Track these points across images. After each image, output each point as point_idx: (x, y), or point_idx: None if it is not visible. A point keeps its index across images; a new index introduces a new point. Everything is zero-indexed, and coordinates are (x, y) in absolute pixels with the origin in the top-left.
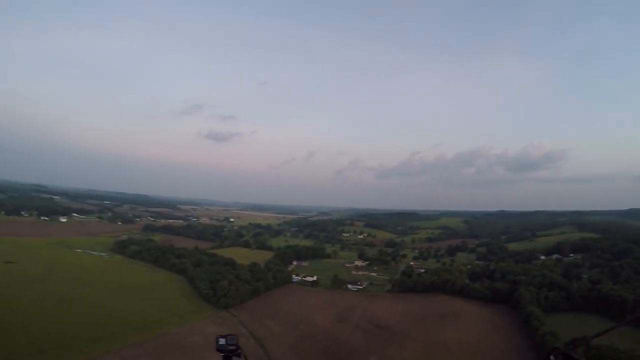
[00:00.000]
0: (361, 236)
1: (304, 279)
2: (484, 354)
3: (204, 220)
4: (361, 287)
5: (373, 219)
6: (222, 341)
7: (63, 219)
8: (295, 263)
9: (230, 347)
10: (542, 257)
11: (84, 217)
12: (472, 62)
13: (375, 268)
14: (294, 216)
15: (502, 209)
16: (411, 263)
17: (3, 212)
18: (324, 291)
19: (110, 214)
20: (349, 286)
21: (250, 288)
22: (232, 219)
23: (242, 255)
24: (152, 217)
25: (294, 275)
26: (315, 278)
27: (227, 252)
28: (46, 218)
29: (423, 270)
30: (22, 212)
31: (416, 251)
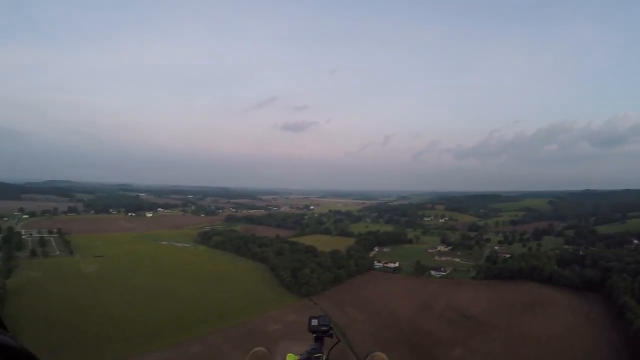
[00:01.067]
0: (442, 220)
1: (385, 265)
2: (574, 348)
3: (285, 209)
4: (445, 274)
5: (453, 202)
6: (314, 322)
7: (149, 214)
8: (376, 249)
9: (323, 328)
10: (636, 242)
11: (168, 211)
12: (548, 32)
13: (458, 253)
14: (374, 201)
15: (588, 188)
16: (495, 248)
17: (93, 211)
18: (406, 278)
19: (193, 207)
20: (432, 273)
21: (332, 275)
22: (312, 207)
23: (323, 243)
24: (233, 208)
25: (375, 262)
26: (397, 264)
27: (308, 240)
28: (133, 214)
29: (508, 256)
30: (111, 210)
31: (500, 235)
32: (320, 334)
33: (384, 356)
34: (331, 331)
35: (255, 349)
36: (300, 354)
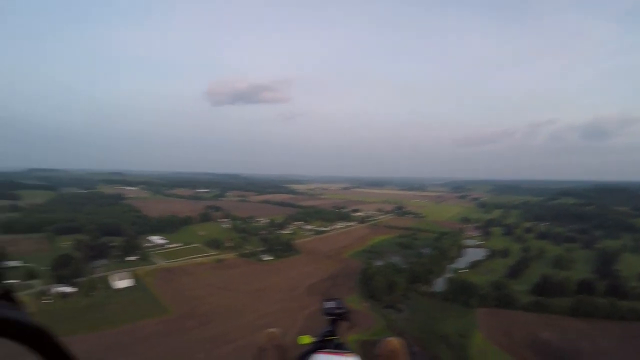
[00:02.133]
0: None
1: None
2: None
3: (367, 209)
4: None
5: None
6: (329, 304)
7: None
8: None
9: (338, 311)
10: None
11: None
12: None
13: None
14: (457, 193)
15: None
16: None
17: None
18: None
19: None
20: None
21: None
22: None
23: None
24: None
25: None
26: None
27: None
28: None
29: None
30: None
31: None
32: (335, 317)
33: (400, 341)
34: (347, 314)
35: (270, 329)
36: (314, 336)
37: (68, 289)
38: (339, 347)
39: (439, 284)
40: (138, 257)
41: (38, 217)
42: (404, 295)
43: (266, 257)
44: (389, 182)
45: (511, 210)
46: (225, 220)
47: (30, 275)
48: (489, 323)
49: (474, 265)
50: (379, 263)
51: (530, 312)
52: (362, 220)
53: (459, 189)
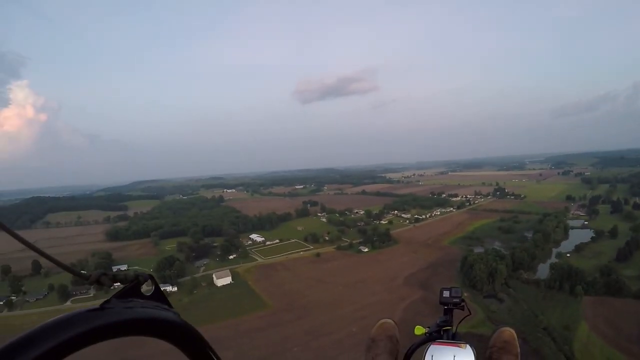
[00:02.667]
0: None
1: None
2: None
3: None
4: None
5: None
6: (446, 293)
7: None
8: None
9: (454, 300)
10: None
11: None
12: None
13: None
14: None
15: None
16: None
17: None
18: None
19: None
20: None
21: None
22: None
23: None
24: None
25: None
26: None
27: None
28: None
29: None
30: None
31: None
32: (450, 306)
33: (512, 331)
34: (463, 303)
35: (383, 320)
36: (428, 326)
37: (171, 288)
38: (453, 338)
39: (543, 270)
40: (238, 256)
41: (144, 224)
42: (506, 283)
43: (364, 249)
44: (486, 162)
45: (618, 184)
46: (322, 214)
47: None
48: (596, 313)
49: (579, 248)
50: (479, 250)
51: None
52: (460, 205)
53: (561, 164)
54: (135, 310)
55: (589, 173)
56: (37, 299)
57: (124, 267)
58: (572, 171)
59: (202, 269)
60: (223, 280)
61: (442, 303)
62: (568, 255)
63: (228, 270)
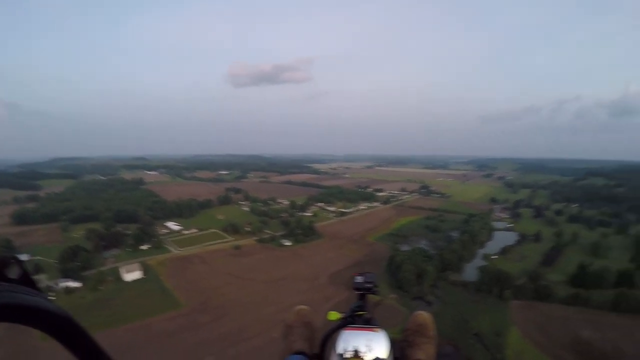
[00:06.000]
0: None
1: None
2: None
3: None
4: None
5: None
6: (359, 279)
7: None
8: None
9: (367, 285)
10: None
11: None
12: None
13: None
14: (483, 172)
15: None
16: None
17: None
18: None
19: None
20: None
21: None
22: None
23: None
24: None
25: None
26: None
27: None
28: None
29: None
30: None
31: None
32: (364, 292)
33: (428, 315)
34: (376, 288)
35: (299, 306)
36: (343, 312)
37: (74, 284)
38: (367, 322)
39: (470, 272)
40: (152, 246)
41: (55, 206)
42: (434, 285)
43: (287, 242)
44: (412, 160)
45: (539, 190)
46: (245, 202)
47: (36, 269)
48: (526, 318)
49: (505, 250)
50: (405, 248)
51: (568, 305)
52: (386, 200)
53: (484, 167)
54: None
55: (511, 177)
56: None
57: (24, 257)
58: (494, 174)
59: (110, 260)
60: (133, 274)
61: (356, 289)
62: (494, 257)
63: (139, 264)
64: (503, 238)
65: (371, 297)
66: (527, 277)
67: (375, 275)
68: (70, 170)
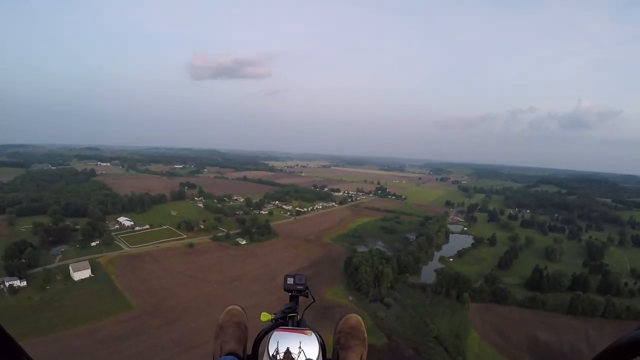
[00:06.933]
0: None
1: None
2: None
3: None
4: None
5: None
6: (290, 280)
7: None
8: None
9: (299, 287)
10: None
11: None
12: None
13: None
14: (437, 176)
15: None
16: None
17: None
18: None
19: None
20: None
21: None
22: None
23: None
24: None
25: None
26: None
27: None
28: None
29: None
30: None
31: None
32: (295, 293)
33: (359, 317)
34: (307, 290)
35: (230, 306)
36: (274, 313)
37: (19, 283)
38: (299, 324)
39: (428, 274)
40: (102, 242)
41: (1, 196)
42: (392, 287)
43: (242, 241)
44: (368, 161)
45: (493, 195)
46: (199, 198)
47: None
48: (484, 321)
49: (461, 253)
50: (362, 249)
51: (525, 308)
52: (342, 200)
53: (439, 171)
54: None
55: (465, 182)
56: None
57: None
58: (449, 178)
59: (58, 257)
60: (81, 273)
61: (287, 290)
62: (451, 260)
63: (87, 262)
64: (459, 241)
65: (302, 299)
66: (484, 280)
67: (306, 277)
68: (18, 158)
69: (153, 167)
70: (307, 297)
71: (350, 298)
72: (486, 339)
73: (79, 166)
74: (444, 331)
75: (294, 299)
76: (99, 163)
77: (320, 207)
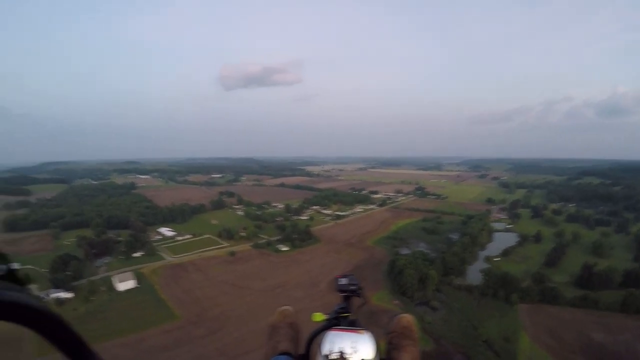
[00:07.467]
0: None
1: None
2: None
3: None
4: None
5: None
6: (342, 281)
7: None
8: None
9: (351, 287)
10: None
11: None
12: None
13: None
14: (476, 172)
15: None
16: None
17: None
18: None
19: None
20: None
21: None
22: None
23: None
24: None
25: None
26: None
27: None
28: None
29: None
30: None
31: None
32: (348, 294)
33: (411, 317)
34: (360, 290)
35: (283, 307)
36: (327, 314)
37: (66, 294)
38: (352, 324)
39: (473, 275)
40: (145, 253)
41: (46, 212)
42: (437, 289)
43: (283, 247)
44: (404, 161)
45: (534, 190)
46: (239, 206)
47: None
48: (535, 322)
49: (506, 252)
50: (405, 251)
51: (576, 307)
52: (382, 202)
53: (477, 167)
54: None
55: (505, 178)
56: None
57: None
58: (488, 175)
59: (102, 269)
60: (125, 283)
61: (339, 290)
62: (496, 259)
63: (131, 273)
64: (503, 239)
65: (355, 299)
66: (531, 279)
67: (357, 277)
68: (61, 174)
69: (191, 177)
70: (359, 297)
71: (396, 302)
72: (537, 341)
73: (119, 180)
74: (493, 334)
75: (346, 299)
76: (138, 176)
77: (360, 210)
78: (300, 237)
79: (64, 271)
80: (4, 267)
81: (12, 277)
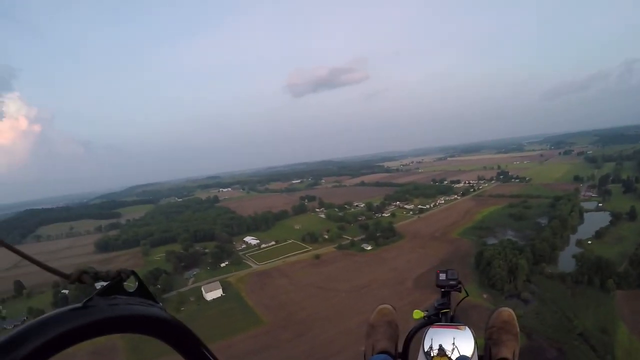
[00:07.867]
0: None
1: None
2: None
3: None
4: None
5: None
6: (442, 276)
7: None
8: None
9: (451, 282)
10: None
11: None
12: None
13: None
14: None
15: None
16: None
17: None
18: None
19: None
20: None
21: None
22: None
23: None
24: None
25: None
26: None
27: None
28: None
29: None
30: None
31: None
32: (448, 289)
33: (511, 311)
34: (460, 285)
35: (382, 305)
36: (427, 310)
37: None
38: (452, 320)
39: (566, 261)
40: (230, 262)
41: (135, 231)
42: (528, 280)
43: (367, 247)
44: (484, 146)
45: (624, 162)
46: (320, 209)
47: None
48: (634, 311)
49: (599, 234)
50: (492, 241)
51: None
52: (464, 191)
53: (560, 144)
54: (119, 307)
55: (591, 152)
56: (14, 326)
57: None
58: (573, 150)
59: (191, 280)
60: (213, 293)
61: (439, 286)
62: (589, 242)
63: (218, 282)
64: (595, 219)
65: (455, 294)
66: (628, 262)
67: (457, 272)
68: (147, 196)
69: (272, 185)
70: (459, 292)
71: (485, 296)
72: (637, 332)
73: (203, 195)
74: (589, 326)
75: (445, 295)
76: (220, 189)
77: (443, 201)
78: (384, 234)
79: (154, 285)
80: (136, 283)
81: (143, 292)
